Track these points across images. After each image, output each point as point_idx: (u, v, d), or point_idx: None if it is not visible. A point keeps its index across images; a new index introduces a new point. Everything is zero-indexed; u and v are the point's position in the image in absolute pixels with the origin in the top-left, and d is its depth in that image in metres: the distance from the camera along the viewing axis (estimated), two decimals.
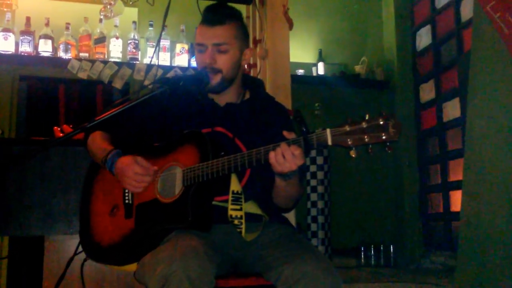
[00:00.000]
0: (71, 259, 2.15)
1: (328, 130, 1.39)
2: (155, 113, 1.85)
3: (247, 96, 1.88)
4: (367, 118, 1.36)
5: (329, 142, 1.38)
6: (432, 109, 4.31)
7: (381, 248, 4.29)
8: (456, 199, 3.87)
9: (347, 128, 1.37)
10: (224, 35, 1.75)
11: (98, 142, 1.83)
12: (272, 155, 1.46)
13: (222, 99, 1.83)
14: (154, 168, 1.69)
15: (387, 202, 4.52)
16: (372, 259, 4.25)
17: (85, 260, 2.16)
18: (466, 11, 3.87)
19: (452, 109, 4.05)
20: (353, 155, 1.37)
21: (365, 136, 1.34)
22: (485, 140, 2.71)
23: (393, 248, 4.31)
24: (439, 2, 4.30)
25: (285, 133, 1.48)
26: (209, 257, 1.44)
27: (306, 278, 1.44)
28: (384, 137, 1.32)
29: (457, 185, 3.76)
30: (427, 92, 4.40)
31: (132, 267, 1.67)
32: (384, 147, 1.35)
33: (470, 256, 2.68)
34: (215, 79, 1.76)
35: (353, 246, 4.29)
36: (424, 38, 4.51)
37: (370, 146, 1.36)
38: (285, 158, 1.44)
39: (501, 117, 2.63)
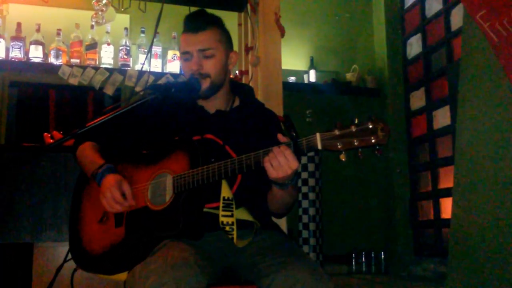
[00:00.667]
0: (60, 267, 2.13)
1: (317, 134, 1.39)
2: (146, 120, 1.84)
3: (237, 103, 1.89)
4: (356, 122, 1.36)
5: (319, 147, 1.38)
6: (422, 116, 4.34)
7: (372, 255, 4.29)
8: (447, 206, 3.89)
9: (337, 132, 1.37)
10: (208, 40, 1.76)
11: (89, 154, 1.82)
12: (266, 160, 1.46)
13: (212, 106, 1.83)
14: (132, 203, 1.69)
15: (378, 209, 4.54)
16: (363, 266, 4.25)
17: (75, 269, 2.14)
18: (456, 20, 3.91)
19: (442, 117, 4.08)
20: (343, 159, 1.38)
21: (355, 140, 1.35)
22: (475, 147, 2.73)
23: (384, 255, 4.32)
24: (430, 11, 4.34)
25: (279, 136, 1.49)
26: (200, 268, 1.43)
27: (298, 285, 1.43)
28: (373, 141, 1.33)
29: (447, 192, 3.78)
30: (418, 100, 4.43)
31: (122, 276, 1.66)
32: (374, 151, 1.35)
33: (461, 262, 2.69)
34: (205, 84, 1.76)
35: (345, 253, 4.30)
36: (414, 46, 4.54)
37: (360, 150, 1.37)
38: (279, 162, 1.45)
39: (491, 125, 2.65)
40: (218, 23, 1.83)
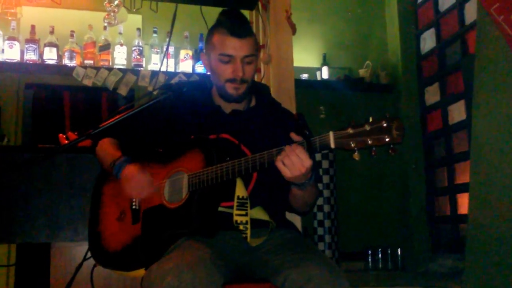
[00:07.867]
0: (80, 265, 2.16)
1: (331, 133, 1.39)
2: (160, 119, 1.86)
3: (253, 102, 1.88)
4: (370, 120, 1.35)
5: (332, 145, 1.38)
6: (437, 112, 4.30)
7: (389, 251, 4.26)
8: (463, 202, 3.85)
9: (350, 130, 1.36)
10: (252, 47, 1.76)
11: (107, 148, 1.85)
12: (279, 159, 1.46)
13: (229, 106, 1.83)
14: (155, 184, 1.73)
15: (394, 205, 4.50)
16: (380, 263, 4.22)
17: (94, 266, 2.17)
18: (470, 13, 3.86)
19: (457, 112, 4.03)
20: (356, 158, 1.37)
21: (368, 139, 1.34)
22: (491, 142, 2.70)
23: (400, 251, 4.29)
24: (443, 5, 4.29)
25: (292, 134, 1.48)
26: (217, 267, 1.44)
27: (313, 282, 1.43)
28: (387, 140, 1.32)
29: (464, 188, 3.74)
30: (432, 95, 4.39)
31: (139, 273, 1.68)
32: (388, 150, 1.34)
33: (478, 258, 2.67)
34: (241, 90, 1.76)
35: (360, 250, 4.27)
36: (428, 41, 4.50)
37: (374, 148, 1.35)
38: (292, 161, 1.44)
39: (507, 119, 2.62)
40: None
